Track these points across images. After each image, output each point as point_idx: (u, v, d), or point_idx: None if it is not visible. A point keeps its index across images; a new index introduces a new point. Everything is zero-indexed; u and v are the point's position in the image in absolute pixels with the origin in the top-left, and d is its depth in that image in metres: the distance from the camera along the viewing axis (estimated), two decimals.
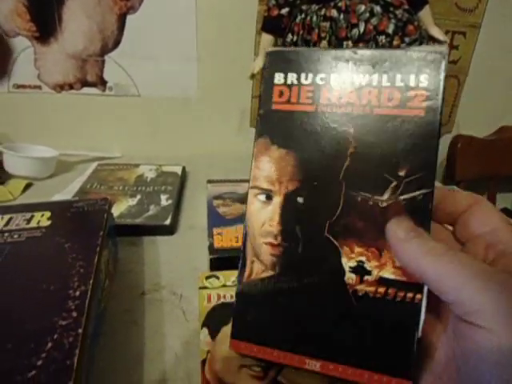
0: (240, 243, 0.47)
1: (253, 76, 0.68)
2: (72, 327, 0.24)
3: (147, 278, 0.44)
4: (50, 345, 0.23)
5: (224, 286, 0.39)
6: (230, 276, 0.41)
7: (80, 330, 0.24)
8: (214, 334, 0.34)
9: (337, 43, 0.58)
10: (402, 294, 0.21)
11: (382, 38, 0.57)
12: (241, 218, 0.53)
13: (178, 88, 0.79)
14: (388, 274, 0.22)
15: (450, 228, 0.24)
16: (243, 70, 0.73)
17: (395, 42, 0.57)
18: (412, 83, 0.22)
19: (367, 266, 0.22)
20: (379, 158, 0.22)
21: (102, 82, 0.76)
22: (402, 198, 0.22)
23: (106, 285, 0.38)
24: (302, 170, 0.24)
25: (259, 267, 0.24)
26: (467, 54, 0.88)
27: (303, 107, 0.24)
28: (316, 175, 0.24)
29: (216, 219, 0.53)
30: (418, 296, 0.21)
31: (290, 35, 0.62)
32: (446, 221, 0.24)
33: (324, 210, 0.23)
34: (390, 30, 0.56)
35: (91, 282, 0.29)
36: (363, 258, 0.22)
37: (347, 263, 0.22)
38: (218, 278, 0.41)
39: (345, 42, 0.58)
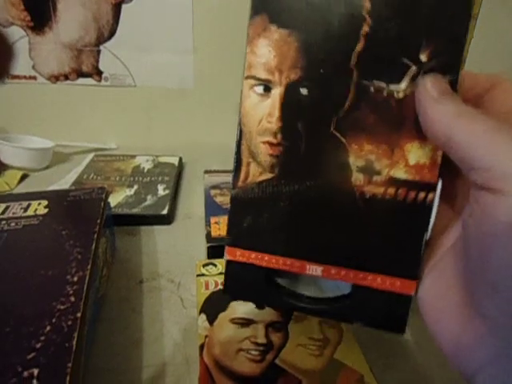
0: None
1: None
2: (70, 311, 0.25)
3: (145, 266, 0.45)
4: (48, 328, 0.23)
5: (221, 273, 0.40)
6: None
7: (78, 314, 0.24)
8: (211, 320, 0.34)
9: None
10: (413, 194, 0.20)
11: None
12: None
13: (175, 78, 0.78)
14: (399, 173, 0.20)
15: None
16: (240, 60, 0.72)
17: None
18: None
19: (377, 165, 0.20)
20: (398, 39, 0.19)
21: (97, 73, 0.76)
22: None
23: (103, 273, 0.38)
24: (306, 56, 0.20)
25: (256, 169, 0.22)
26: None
27: None
28: (323, 61, 0.20)
29: (213, 208, 0.53)
30: (430, 196, 0.20)
31: None
32: None
33: (331, 103, 0.20)
34: None
35: (89, 267, 0.29)
36: (373, 157, 0.20)
37: (355, 162, 0.20)
38: (215, 265, 0.41)
39: None
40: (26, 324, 0.23)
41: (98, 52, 0.75)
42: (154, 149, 0.74)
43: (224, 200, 0.55)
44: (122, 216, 0.52)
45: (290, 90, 0.21)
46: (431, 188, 0.19)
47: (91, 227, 0.35)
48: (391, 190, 0.20)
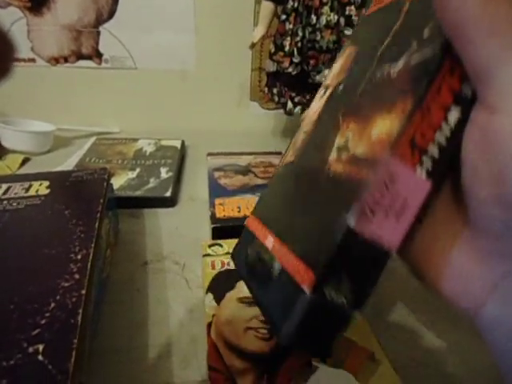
0: (241, 213, 0.47)
1: (253, 45, 0.65)
2: (75, 288, 0.24)
3: (149, 248, 0.44)
4: (53, 305, 0.23)
5: (228, 253, 0.39)
6: (233, 244, 0.40)
7: (83, 291, 0.24)
8: (218, 299, 0.34)
9: (339, 8, 0.56)
10: (358, 172, 0.17)
11: None
12: (243, 189, 0.52)
13: (176, 60, 0.77)
14: (359, 150, 0.18)
15: None
16: (242, 41, 0.70)
17: None
18: None
19: (350, 142, 0.19)
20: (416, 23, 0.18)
21: (97, 55, 0.74)
22: (413, 62, 0.17)
23: (107, 254, 0.38)
24: (354, 62, 0.23)
25: (290, 152, 0.25)
26: None
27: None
28: (361, 60, 0.22)
29: (217, 190, 0.52)
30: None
31: (290, 1, 0.59)
32: None
33: (349, 93, 0.21)
34: None
35: (92, 245, 0.28)
36: (350, 134, 0.19)
37: (338, 141, 0.20)
38: (221, 245, 0.40)
39: (347, 7, 0.56)
40: (31, 301, 0.23)
41: (98, 33, 0.73)
42: (157, 132, 0.73)
43: (228, 182, 0.54)
44: (125, 198, 0.51)
45: (334, 89, 0.23)
46: (379, 164, 0.16)
47: (94, 207, 0.34)
48: (348, 168, 0.18)
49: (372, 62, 0.20)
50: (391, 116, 0.16)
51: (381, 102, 0.18)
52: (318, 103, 0.25)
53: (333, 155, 0.19)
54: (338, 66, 0.25)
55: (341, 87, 0.22)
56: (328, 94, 0.24)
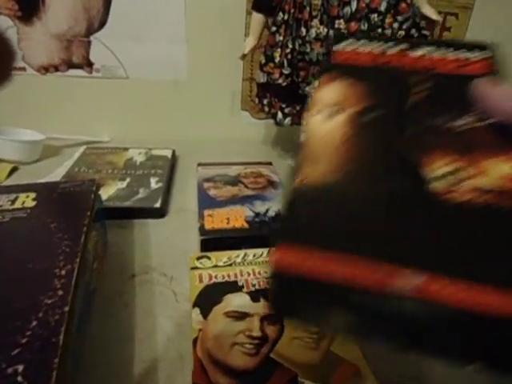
0: (231, 225, 0.46)
1: (244, 56, 0.66)
2: (58, 305, 0.24)
3: (137, 260, 0.44)
4: (34, 323, 0.22)
5: (215, 266, 0.39)
6: (221, 257, 0.40)
7: (66, 308, 0.24)
8: (205, 314, 0.33)
9: (328, 22, 0.56)
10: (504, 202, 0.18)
11: (374, 16, 0.55)
12: (232, 200, 0.52)
13: (168, 70, 0.77)
14: (487, 182, 0.19)
15: None
16: (233, 51, 0.71)
17: (387, 20, 0.56)
18: None
19: (461, 175, 0.20)
20: None
21: (88, 64, 0.74)
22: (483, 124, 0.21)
23: (94, 267, 0.38)
24: (373, 98, 0.24)
25: (321, 169, 0.21)
26: (460, 36, 0.87)
27: None
28: (383, 101, 0.24)
29: (207, 201, 0.52)
30: None
31: (280, 14, 0.60)
32: None
33: (393, 129, 0.23)
34: (383, 8, 0.55)
35: (77, 260, 0.28)
36: (451, 168, 0.20)
37: (432, 172, 0.20)
38: (209, 258, 0.40)
39: (337, 21, 0.56)
40: (12, 319, 0.23)
41: (89, 43, 0.73)
42: (148, 141, 0.72)
43: (218, 193, 0.54)
44: (114, 209, 0.51)
45: (358, 115, 0.24)
46: None
47: (81, 220, 0.34)
48: (479, 196, 0.19)
49: (400, 112, 0.23)
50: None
51: (482, 147, 0.21)
52: (328, 123, 0.23)
53: (436, 186, 0.19)
54: (335, 92, 0.24)
55: (369, 117, 0.23)
56: (346, 118, 0.23)
